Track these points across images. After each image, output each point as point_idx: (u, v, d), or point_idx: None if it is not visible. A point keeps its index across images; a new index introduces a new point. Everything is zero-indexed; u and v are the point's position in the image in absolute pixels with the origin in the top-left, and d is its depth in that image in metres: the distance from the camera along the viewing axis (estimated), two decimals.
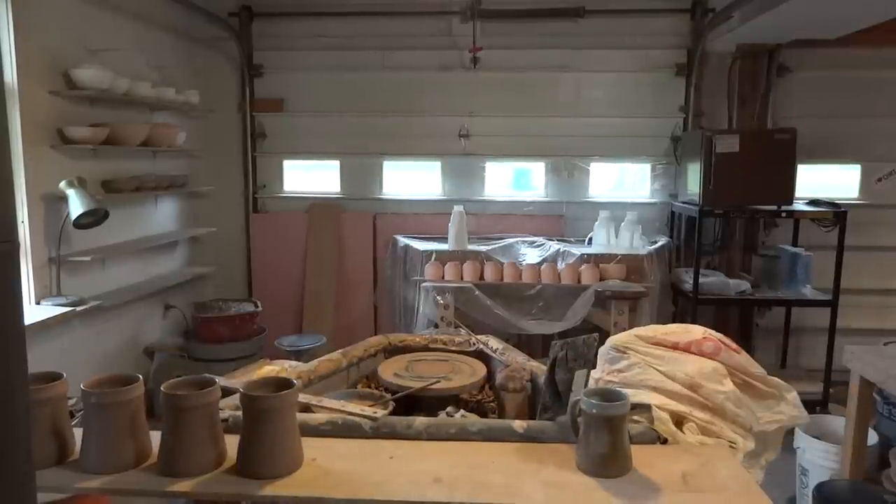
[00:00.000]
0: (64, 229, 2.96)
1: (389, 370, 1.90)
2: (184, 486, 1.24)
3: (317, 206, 4.66)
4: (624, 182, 4.84)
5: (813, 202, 4.22)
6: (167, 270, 4.14)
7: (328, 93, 4.64)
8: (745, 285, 4.00)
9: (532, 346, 4.09)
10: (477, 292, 3.56)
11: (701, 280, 4.02)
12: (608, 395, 1.37)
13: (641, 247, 4.00)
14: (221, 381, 1.42)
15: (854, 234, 4.49)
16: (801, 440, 3.10)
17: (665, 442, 1.49)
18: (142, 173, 3.59)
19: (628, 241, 3.96)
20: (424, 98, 4.60)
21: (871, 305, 4.57)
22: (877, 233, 4.52)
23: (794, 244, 4.39)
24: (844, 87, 4.44)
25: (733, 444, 1.47)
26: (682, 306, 4.31)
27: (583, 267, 3.70)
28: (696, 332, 1.73)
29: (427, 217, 4.61)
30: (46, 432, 1.32)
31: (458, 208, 4.10)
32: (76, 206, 2.86)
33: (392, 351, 2.11)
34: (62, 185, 2.91)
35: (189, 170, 4.27)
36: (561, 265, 3.87)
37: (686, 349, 1.68)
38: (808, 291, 4.00)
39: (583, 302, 3.60)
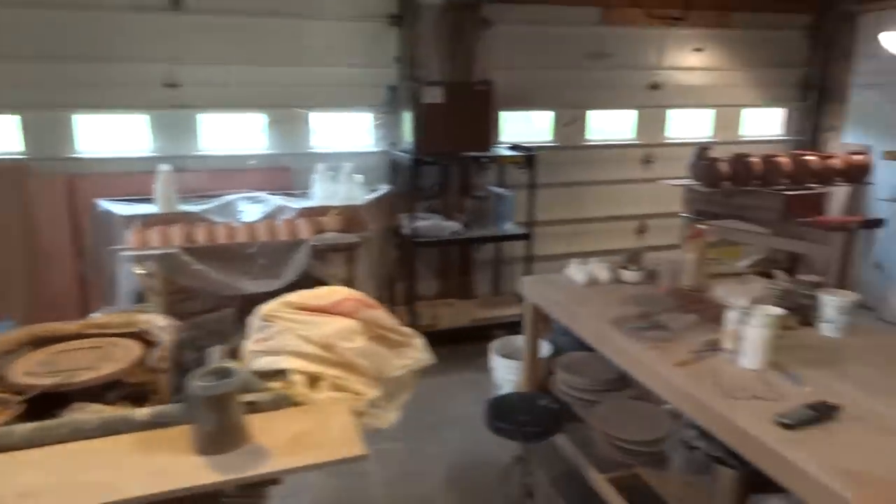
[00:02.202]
0: None
1: (21, 368, 1.74)
2: None
3: None
4: (349, 132, 4.90)
5: (513, 147, 4.70)
6: None
7: None
8: (457, 226, 4.37)
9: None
10: (185, 257, 3.39)
11: (418, 224, 4.30)
12: (224, 373, 1.41)
13: (361, 196, 4.12)
14: None
15: (549, 173, 5.14)
16: (493, 359, 3.56)
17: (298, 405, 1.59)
18: None
19: (346, 191, 4.05)
20: (121, 42, 4.11)
21: (564, 234, 5.31)
22: (566, 170, 5.21)
23: (501, 185, 4.88)
24: (538, 41, 4.93)
25: (359, 395, 1.62)
26: (406, 250, 4.59)
27: (298, 221, 3.72)
28: (339, 294, 1.85)
29: (139, 177, 4.21)
30: None
31: (163, 167, 3.81)
32: None
33: (39, 343, 1.93)
34: None
35: None
36: (286, 219, 3.84)
37: (329, 311, 1.79)
38: (509, 227, 4.50)
39: (300, 257, 3.63)
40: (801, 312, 2.43)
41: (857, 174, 4.56)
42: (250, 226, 3.68)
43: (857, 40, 5.34)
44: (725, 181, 4.41)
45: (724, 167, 4.37)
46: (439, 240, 4.31)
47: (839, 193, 5.49)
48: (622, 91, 5.22)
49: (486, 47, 4.82)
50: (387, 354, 1.71)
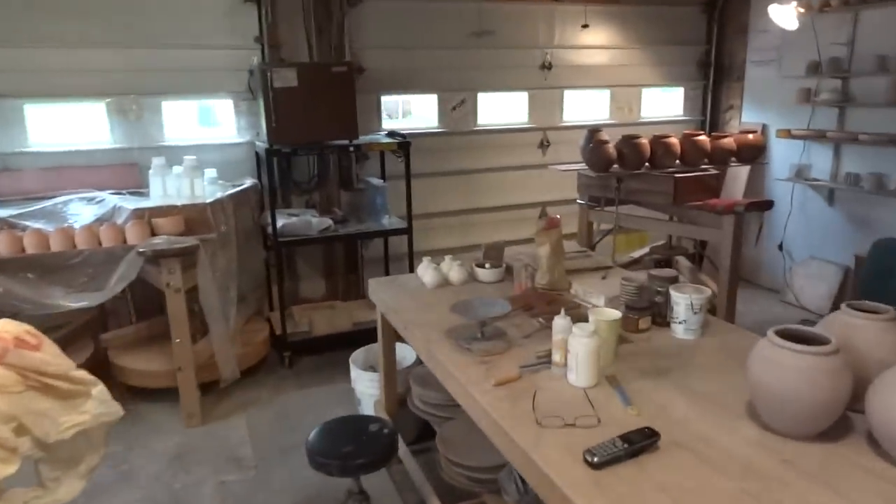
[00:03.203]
0: None
1: None
2: None
3: None
4: (212, 122, 4.43)
5: (389, 134, 4.32)
6: None
7: None
8: (327, 222, 3.97)
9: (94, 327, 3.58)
10: None
11: (284, 221, 3.88)
12: None
13: (212, 193, 3.67)
14: None
15: (438, 161, 4.80)
16: (353, 371, 3.19)
17: None
18: None
19: (193, 188, 3.59)
20: None
21: (457, 226, 4.98)
22: (456, 158, 4.87)
23: (382, 176, 4.50)
24: (416, 18, 4.55)
25: None
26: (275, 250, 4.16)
27: (128, 225, 3.24)
28: None
29: None
30: None
31: None
32: None
33: None
34: None
35: None
36: (121, 221, 3.36)
37: None
38: (386, 221, 4.13)
39: (128, 266, 3.16)
40: (656, 311, 2.15)
41: (750, 154, 4.37)
42: (68, 231, 3.18)
43: (751, 15, 5.18)
44: (615, 165, 4.15)
45: (612, 150, 4.11)
46: (308, 238, 3.90)
47: (741, 175, 5.35)
48: (512, 72, 4.90)
49: (359, 26, 4.41)
50: (51, 410, 1.30)
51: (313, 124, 3.73)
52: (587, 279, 2.58)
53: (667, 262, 5.04)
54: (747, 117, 5.33)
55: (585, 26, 4.87)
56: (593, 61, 5.10)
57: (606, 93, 5.28)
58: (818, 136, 4.54)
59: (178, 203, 3.46)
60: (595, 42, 5.06)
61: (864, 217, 4.50)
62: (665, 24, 5.27)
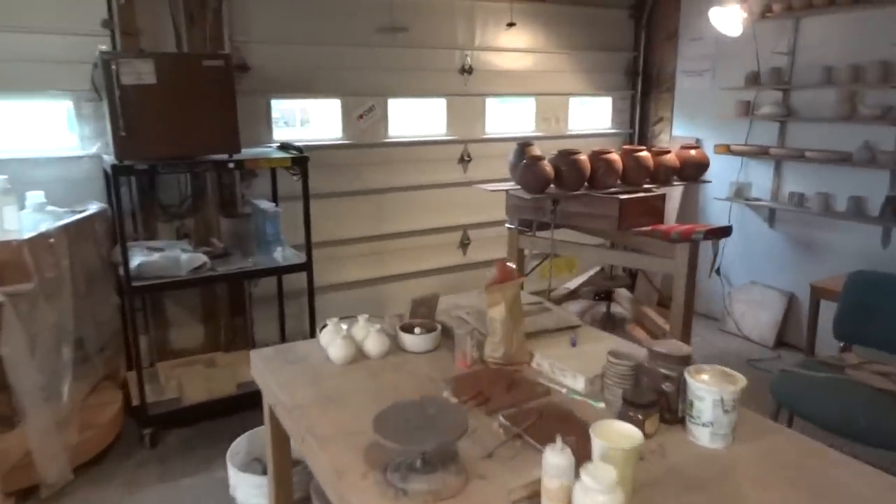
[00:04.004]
0: None
1: None
2: None
3: None
4: (41, 129, 3.42)
5: (282, 146, 3.52)
6: None
7: None
8: (201, 259, 3.10)
9: None
10: None
11: (143, 259, 2.98)
12: None
13: (33, 226, 2.71)
14: None
15: (342, 178, 4.04)
16: (231, 472, 2.36)
17: None
18: None
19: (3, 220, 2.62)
20: None
21: (367, 254, 4.23)
22: (364, 174, 4.13)
23: (274, 197, 3.67)
24: (315, 8, 3.77)
25: None
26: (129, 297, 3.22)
27: None
28: None
29: None
30: None
31: None
32: None
33: None
34: None
35: None
36: None
37: None
38: (280, 255, 3.31)
39: None
40: (663, 405, 1.52)
41: (694, 171, 3.94)
42: None
43: (680, 22, 4.81)
44: (551, 185, 3.57)
45: (549, 168, 3.53)
46: (174, 281, 3.01)
47: (674, 194, 4.96)
48: (428, 75, 4.23)
49: (243, 14, 3.58)
50: None
51: (180, 134, 2.87)
52: (552, 346, 1.92)
53: (607, 295, 4.55)
54: (678, 130, 4.96)
55: (512, 24, 4.28)
56: (517, 66, 4.53)
57: (531, 102, 4.73)
58: (760, 153, 4.20)
59: None
60: (519, 45, 4.49)
61: (808, 240, 4.19)
62: (593, 29, 4.80)
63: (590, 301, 4.52)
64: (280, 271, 3.28)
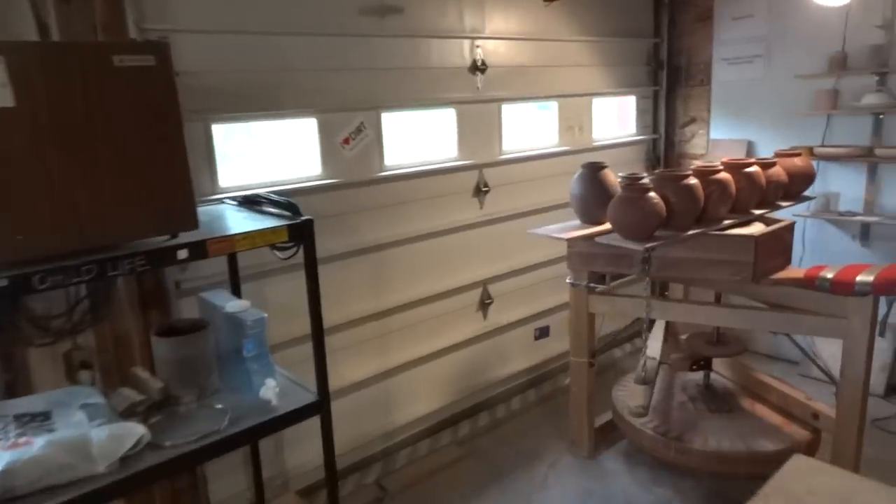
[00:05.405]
0: None
1: None
2: None
3: None
4: None
5: (247, 200, 2.10)
6: None
7: None
8: (134, 433, 1.64)
9: None
10: None
11: (11, 459, 1.49)
12: None
13: None
14: None
15: (325, 235, 2.66)
16: None
17: None
18: None
19: None
20: None
21: (370, 338, 2.89)
22: (355, 225, 2.78)
23: (234, 281, 2.24)
24: None
25: None
26: None
27: None
28: None
29: None
30: None
31: None
32: None
33: None
34: None
35: None
36: None
37: None
38: (271, 393, 1.89)
39: None
40: None
41: (802, 186, 2.98)
42: None
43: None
44: (662, 223, 2.43)
45: (657, 202, 2.38)
46: (83, 495, 1.53)
47: None
48: (430, 76, 2.96)
49: None
50: None
51: (72, 207, 1.42)
52: None
53: (707, 363, 3.25)
54: (718, 133, 4.01)
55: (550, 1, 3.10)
56: (535, 59, 3.37)
57: (552, 106, 3.58)
58: (857, 155, 3.32)
59: None
60: (535, 30, 3.33)
61: None
62: (609, 9, 3.74)
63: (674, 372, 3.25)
64: (277, 425, 1.85)
